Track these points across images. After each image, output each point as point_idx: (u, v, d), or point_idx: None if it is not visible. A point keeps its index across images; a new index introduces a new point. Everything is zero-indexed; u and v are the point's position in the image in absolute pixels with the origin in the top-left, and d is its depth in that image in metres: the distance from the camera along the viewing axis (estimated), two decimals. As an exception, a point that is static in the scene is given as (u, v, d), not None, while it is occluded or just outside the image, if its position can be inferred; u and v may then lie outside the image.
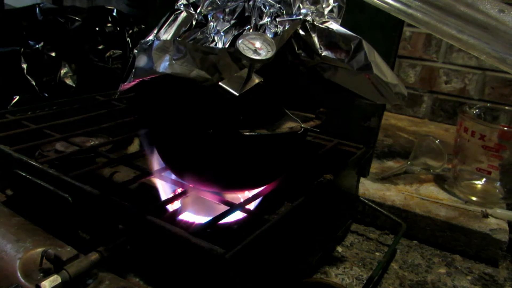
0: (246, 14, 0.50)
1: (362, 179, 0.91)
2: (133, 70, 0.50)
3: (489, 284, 0.73)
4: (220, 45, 0.46)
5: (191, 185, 0.59)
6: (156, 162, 0.62)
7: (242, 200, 0.57)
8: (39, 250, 0.46)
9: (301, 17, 0.52)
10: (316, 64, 0.55)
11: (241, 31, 0.48)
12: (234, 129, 0.50)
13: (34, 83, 1.18)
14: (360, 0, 0.59)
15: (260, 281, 0.52)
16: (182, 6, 0.52)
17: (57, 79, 1.21)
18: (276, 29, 0.50)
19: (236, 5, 0.50)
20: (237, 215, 0.56)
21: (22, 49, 1.18)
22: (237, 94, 0.49)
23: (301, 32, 0.53)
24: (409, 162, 0.98)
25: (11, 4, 1.58)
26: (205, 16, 0.50)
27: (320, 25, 0.52)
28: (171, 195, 0.61)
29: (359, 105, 0.83)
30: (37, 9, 1.28)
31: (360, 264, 0.75)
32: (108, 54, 1.28)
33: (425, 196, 0.87)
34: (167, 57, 0.48)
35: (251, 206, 0.59)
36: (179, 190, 0.60)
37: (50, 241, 0.49)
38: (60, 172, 0.57)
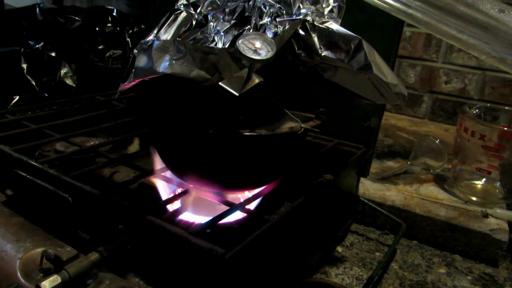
0: (246, 14, 0.50)
1: (362, 179, 0.91)
2: (133, 70, 0.50)
3: (489, 284, 0.73)
4: (220, 45, 0.46)
5: (191, 185, 0.59)
6: (156, 162, 0.62)
7: (242, 200, 0.57)
8: (39, 250, 0.46)
9: (301, 17, 0.52)
10: (316, 64, 0.55)
11: (241, 31, 0.48)
12: (234, 129, 0.50)
13: (34, 83, 1.18)
14: (360, 0, 0.59)
15: (260, 281, 0.52)
16: (182, 6, 0.52)
17: (57, 79, 1.21)
18: (276, 29, 0.50)
19: (236, 5, 0.50)
20: (237, 215, 0.56)
21: (22, 49, 1.18)
22: (237, 94, 0.49)
23: (301, 32, 0.53)
24: (409, 162, 0.98)
25: (11, 4, 1.58)
26: (205, 16, 0.50)
27: (320, 25, 0.52)
28: (171, 195, 0.61)
29: (359, 105, 0.83)
30: (37, 9, 1.28)
31: (360, 264, 0.75)
32: (108, 54, 1.28)
33: (425, 196, 0.87)
34: (167, 57, 0.48)
35: (251, 206, 0.59)
36: (179, 190, 0.60)
37: (50, 241, 0.49)
38: (60, 172, 0.57)
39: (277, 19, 0.51)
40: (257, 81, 0.51)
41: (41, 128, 0.75)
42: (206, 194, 0.58)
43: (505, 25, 0.50)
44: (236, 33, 0.47)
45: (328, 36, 0.52)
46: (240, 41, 0.46)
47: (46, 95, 1.19)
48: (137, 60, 0.50)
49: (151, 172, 0.61)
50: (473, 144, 0.83)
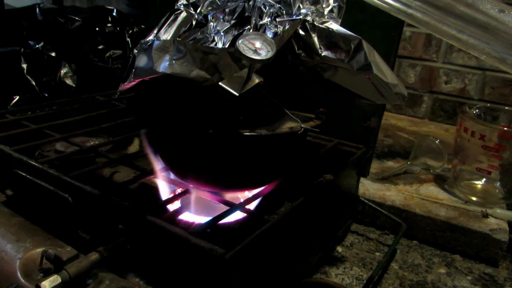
0: (246, 14, 0.50)
1: (362, 179, 0.91)
2: (133, 70, 0.50)
3: (489, 284, 0.73)
4: (220, 45, 0.46)
5: (191, 185, 0.59)
6: (156, 162, 0.62)
7: (242, 200, 0.57)
8: (39, 250, 0.46)
9: (301, 17, 0.52)
10: (316, 64, 0.55)
11: (241, 31, 0.48)
12: (234, 129, 0.50)
13: (34, 83, 1.18)
14: (360, 0, 0.59)
15: (260, 281, 0.52)
16: (182, 6, 0.52)
17: (57, 79, 1.21)
18: (276, 29, 0.50)
19: (236, 5, 0.50)
20: (237, 215, 0.56)
21: (22, 49, 1.18)
22: (237, 94, 0.49)
23: (301, 32, 0.53)
24: (409, 162, 0.98)
25: (11, 4, 1.58)
26: (205, 16, 0.50)
27: (320, 25, 0.52)
28: (171, 195, 0.61)
29: (359, 105, 0.83)
30: (37, 9, 1.28)
31: (360, 264, 0.75)
32: (108, 54, 1.28)
33: (425, 196, 0.87)
34: (167, 57, 0.48)
35: (251, 206, 0.59)
36: (179, 190, 0.60)
37: (50, 241, 0.49)
38: (60, 172, 0.57)
39: (277, 19, 0.51)
40: (257, 81, 0.51)
41: (41, 128, 0.75)
42: (206, 194, 0.58)
43: (505, 25, 0.50)
44: (236, 33, 0.47)
45: (328, 36, 0.52)
46: (240, 41, 0.46)
47: (46, 95, 1.19)
48: (137, 60, 0.50)
49: (151, 172, 0.61)
50: (473, 144, 0.83)
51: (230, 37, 0.47)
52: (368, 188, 0.89)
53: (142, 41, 0.51)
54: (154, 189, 0.62)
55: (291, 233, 0.58)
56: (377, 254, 0.79)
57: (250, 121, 0.54)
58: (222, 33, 0.47)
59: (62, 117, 0.81)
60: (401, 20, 0.66)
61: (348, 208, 0.84)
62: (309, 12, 0.53)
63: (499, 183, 0.86)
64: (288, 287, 0.60)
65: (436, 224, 0.81)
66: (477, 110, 0.91)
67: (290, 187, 0.62)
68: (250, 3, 0.50)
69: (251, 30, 0.48)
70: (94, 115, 0.85)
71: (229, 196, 0.61)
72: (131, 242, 0.49)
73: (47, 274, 0.44)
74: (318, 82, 0.56)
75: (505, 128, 0.81)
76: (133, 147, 0.84)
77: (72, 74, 1.23)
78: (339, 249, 0.79)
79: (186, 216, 0.59)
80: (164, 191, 0.62)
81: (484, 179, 0.87)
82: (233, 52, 0.46)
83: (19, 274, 0.44)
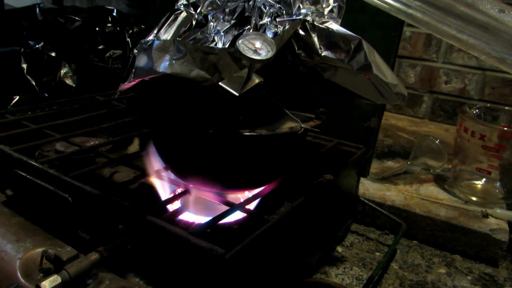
0: (246, 14, 0.50)
1: (362, 179, 0.91)
2: (133, 70, 0.50)
3: (489, 284, 0.73)
4: (220, 45, 0.46)
5: (191, 185, 0.59)
6: (156, 162, 0.62)
7: (242, 200, 0.57)
8: (39, 250, 0.46)
9: (301, 17, 0.52)
10: (316, 64, 0.55)
11: (241, 31, 0.48)
12: (234, 129, 0.50)
13: (34, 83, 1.18)
14: (360, 0, 0.59)
15: (260, 281, 0.52)
16: (182, 6, 0.52)
17: (57, 79, 1.21)
18: (276, 29, 0.50)
19: (236, 5, 0.50)
20: (237, 215, 0.56)
21: (22, 49, 1.18)
22: (237, 94, 0.49)
23: (301, 32, 0.53)
24: (409, 162, 0.98)
25: (11, 4, 1.58)
26: (205, 16, 0.50)
27: (320, 25, 0.52)
28: (171, 195, 0.61)
29: (359, 105, 0.82)
30: (37, 9, 1.28)
31: (360, 264, 0.75)
32: (108, 54, 1.28)
33: (425, 196, 0.87)
34: (167, 57, 0.48)
35: (251, 206, 0.59)
36: (179, 190, 0.60)
37: (50, 241, 0.49)
38: (60, 172, 0.57)
39: (277, 19, 0.51)
40: (257, 81, 0.51)
41: (41, 128, 0.75)
42: (206, 194, 0.58)
43: (505, 25, 0.50)
44: (236, 33, 0.47)
45: (328, 36, 0.52)
46: (240, 41, 0.46)
47: (46, 95, 1.19)
48: (137, 60, 0.50)
49: (151, 172, 0.61)
50: (473, 144, 0.83)
51: (230, 37, 0.47)
52: (368, 188, 0.89)
53: (142, 41, 0.51)
54: (154, 189, 0.62)
55: (291, 233, 0.58)
56: (377, 254, 0.79)
57: (250, 121, 0.54)
58: (222, 33, 0.47)
59: (62, 117, 0.81)
60: (401, 20, 0.66)
61: (348, 208, 0.84)
62: (309, 12, 0.53)
63: (499, 183, 0.86)
64: (288, 287, 0.60)
65: (436, 224, 0.81)
66: (477, 110, 0.91)
67: (290, 187, 0.62)
68: (250, 3, 0.50)
69: (251, 30, 0.48)
70: (94, 115, 0.85)
71: (229, 196, 0.61)
72: (131, 242, 0.49)
73: (47, 274, 0.44)
74: (318, 82, 0.56)
75: (505, 128, 0.81)
76: (133, 147, 0.84)
77: (72, 74, 1.23)
78: (339, 249, 0.79)
79: (186, 216, 0.59)
80: (164, 191, 0.62)
81: (484, 179, 0.87)
82: (233, 52, 0.46)
83: (19, 274, 0.44)
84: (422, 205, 0.84)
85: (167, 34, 0.49)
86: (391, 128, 1.31)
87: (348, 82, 0.55)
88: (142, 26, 1.37)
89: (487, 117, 0.90)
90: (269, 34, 0.48)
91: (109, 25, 1.32)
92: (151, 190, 0.62)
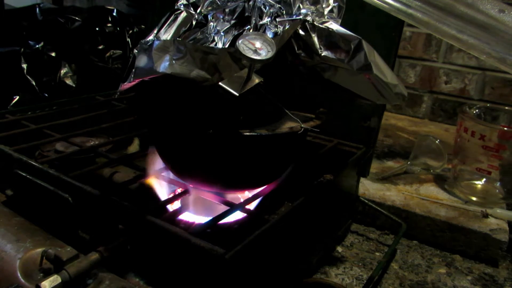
0: (246, 14, 0.50)
1: (362, 179, 0.91)
2: (133, 70, 0.50)
3: (489, 284, 0.73)
4: (220, 45, 0.46)
5: (191, 185, 0.59)
6: (156, 162, 0.62)
7: (242, 200, 0.57)
8: (39, 250, 0.46)
9: (301, 17, 0.52)
10: (316, 64, 0.55)
11: (241, 31, 0.48)
12: (234, 129, 0.50)
13: (34, 83, 1.18)
14: (360, 0, 0.59)
15: (260, 281, 0.52)
16: (182, 6, 0.52)
17: (57, 79, 1.21)
18: (276, 29, 0.50)
19: (236, 5, 0.50)
20: (237, 215, 0.56)
21: (22, 49, 1.18)
22: (237, 94, 0.49)
23: (301, 32, 0.53)
24: (409, 162, 0.98)
25: (11, 4, 1.58)
26: (205, 16, 0.50)
27: (320, 25, 0.52)
28: (171, 195, 0.61)
29: (359, 105, 0.83)
30: (37, 9, 1.28)
31: (360, 264, 0.75)
32: (108, 54, 1.28)
33: (425, 196, 0.87)
34: (167, 57, 0.48)
35: (251, 206, 0.59)
36: (179, 190, 0.60)
37: (50, 241, 0.49)
38: (60, 172, 0.57)
39: (277, 19, 0.51)
40: (257, 81, 0.51)
41: (41, 128, 0.75)
42: (206, 194, 0.58)
43: (505, 25, 0.50)
44: (236, 33, 0.47)
45: (328, 36, 0.52)
46: (240, 41, 0.46)
47: (46, 95, 1.19)
48: (137, 60, 0.50)
49: (151, 172, 0.61)
50: (473, 144, 0.83)
51: (230, 37, 0.47)
52: (368, 188, 0.89)
53: (142, 41, 0.51)
54: (154, 189, 0.62)
55: (291, 233, 0.58)
56: (377, 254, 0.79)
57: (250, 121, 0.54)
58: (222, 33, 0.47)
59: (62, 117, 0.81)
60: (401, 20, 0.66)
61: (348, 208, 0.84)
62: (309, 12, 0.53)
63: (499, 183, 0.86)
64: (288, 287, 0.60)
65: (436, 224, 0.81)
66: (477, 110, 0.91)
67: (290, 187, 0.62)
68: (250, 3, 0.50)
69: (251, 30, 0.48)
70: (94, 115, 0.85)
71: (229, 196, 0.61)
72: (131, 242, 0.49)
73: (47, 274, 0.44)
74: (318, 82, 0.56)
75: (505, 128, 0.81)
76: (133, 147, 0.84)
77: (72, 74, 1.23)
78: (339, 249, 0.79)
79: (186, 216, 0.59)
80: (164, 191, 0.62)
81: (484, 179, 0.87)
82: (233, 52, 0.46)
83: (19, 274, 0.44)
84: (422, 205, 0.84)
85: (167, 34, 0.49)
86: (391, 128, 1.31)
87: (348, 82, 0.55)
88: (142, 26, 1.37)
89: (487, 117, 0.90)
90: (269, 34, 0.48)
91: (109, 25, 1.32)
92: (151, 190, 0.62)
